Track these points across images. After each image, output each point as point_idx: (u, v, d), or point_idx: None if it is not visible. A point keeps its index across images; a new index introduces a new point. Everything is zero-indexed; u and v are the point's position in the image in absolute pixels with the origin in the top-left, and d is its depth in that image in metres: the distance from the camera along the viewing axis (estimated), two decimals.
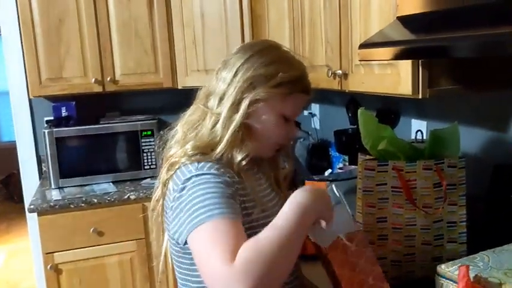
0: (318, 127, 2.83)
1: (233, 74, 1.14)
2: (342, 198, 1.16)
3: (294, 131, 1.22)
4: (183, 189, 1.05)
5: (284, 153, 1.32)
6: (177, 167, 1.11)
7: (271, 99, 1.13)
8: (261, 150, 1.21)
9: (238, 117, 1.12)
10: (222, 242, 0.93)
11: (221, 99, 1.14)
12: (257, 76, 1.12)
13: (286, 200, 1.19)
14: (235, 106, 1.12)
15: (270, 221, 1.08)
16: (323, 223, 1.05)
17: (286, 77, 1.13)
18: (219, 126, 1.13)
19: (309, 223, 1.00)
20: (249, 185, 1.13)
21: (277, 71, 1.12)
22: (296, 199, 0.99)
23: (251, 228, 1.07)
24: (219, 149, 1.11)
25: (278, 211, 1.11)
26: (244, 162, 1.13)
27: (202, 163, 1.08)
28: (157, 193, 1.18)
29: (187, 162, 1.09)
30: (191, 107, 1.22)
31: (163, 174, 1.15)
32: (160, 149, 1.21)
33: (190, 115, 1.19)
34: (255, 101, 1.12)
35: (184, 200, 1.04)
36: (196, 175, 1.05)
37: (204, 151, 1.11)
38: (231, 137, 1.12)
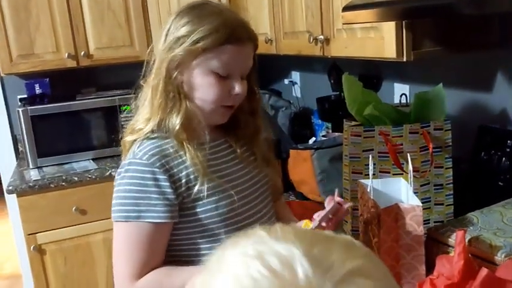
0: (299, 95, 2.80)
1: (162, 42, 1.12)
2: None
3: (236, 89, 1.11)
4: (119, 173, 1.11)
5: (252, 115, 1.22)
6: (127, 146, 1.16)
7: (192, 58, 1.08)
8: (207, 115, 1.14)
9: (161, 83, 1.10)
10: (134, 253, 1.05)
11: (151, 69, 1.14)
12: (174, 40, 1.09)
13: (264, 171, 1.24)
14: (159, 72, 1.11)
15: (219, 192, 1.10)
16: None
17: (200, 33, 1.07)
18: (149, 96, 1.13)
19: None
20: (190, 156, 1.09)
21: (190, 30, 1.08)
22: None
23: (197, 200, 1.09)
24: (152, 118, 1.11)
25: (242, 183, 1.16)
26: (178, 127, 1.09)
27: (141, 146, 1.10)
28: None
29: (131, 139, 1.14)
30: None
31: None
32: None
33: (140, 95, 1.18)
34: (176, 63, 1.09)
35: (117, 186, 1.10)
36: (129, 163, 1.09)
37: (142, 125, 1.13)
38: (160, 104, 1.11)
